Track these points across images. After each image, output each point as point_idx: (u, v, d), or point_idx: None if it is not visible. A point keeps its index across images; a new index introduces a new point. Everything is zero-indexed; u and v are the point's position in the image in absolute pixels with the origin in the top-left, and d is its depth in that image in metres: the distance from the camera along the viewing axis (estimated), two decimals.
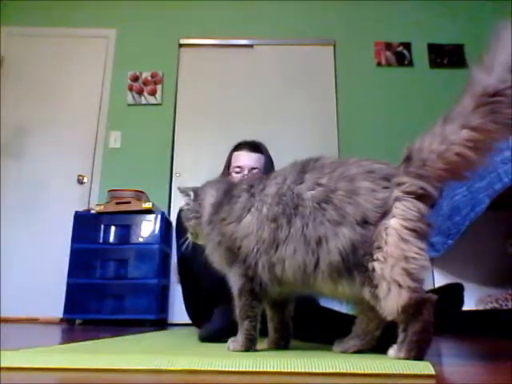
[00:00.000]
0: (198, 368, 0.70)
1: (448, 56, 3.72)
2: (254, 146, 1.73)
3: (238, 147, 1.74)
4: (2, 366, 0.71)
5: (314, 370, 0.69)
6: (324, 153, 1.00)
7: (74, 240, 2.83)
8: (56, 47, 3.75)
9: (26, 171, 3.45)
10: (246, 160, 1.69)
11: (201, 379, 0.66)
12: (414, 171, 0.83)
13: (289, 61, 3.73)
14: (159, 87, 3.65)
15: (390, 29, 3.80)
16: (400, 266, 0.79)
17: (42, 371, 0.71)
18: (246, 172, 1.67)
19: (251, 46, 3.77)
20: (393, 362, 0.70)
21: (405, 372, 0.67)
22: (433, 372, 0.66)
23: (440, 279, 2.06)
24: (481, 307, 1.92)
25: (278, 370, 0.69)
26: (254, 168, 1.67)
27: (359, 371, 0.68)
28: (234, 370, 0.70)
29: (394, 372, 0.67)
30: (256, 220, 0.96)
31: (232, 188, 1.09)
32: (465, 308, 1.96)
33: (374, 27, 3.81)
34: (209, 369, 0.70)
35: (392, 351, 0.80)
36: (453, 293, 1.16)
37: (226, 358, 0.74)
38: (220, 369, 0.70)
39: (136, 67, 3.69)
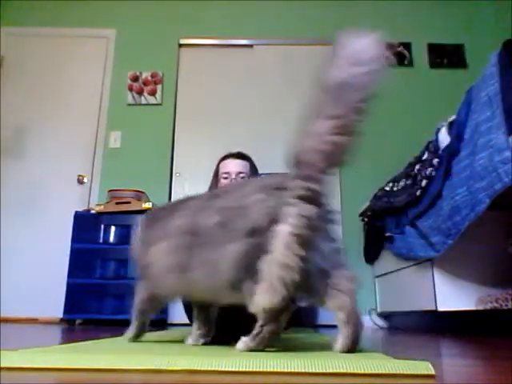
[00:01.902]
0: (198, 368, 0.70)
1: (448, 56, 3.72)
2: (240, 155, 1.89)
3: (225, 157, 1.90)
4: (2, 366, 0.71)
5: (313, 370, 0.69)
6: None
7: (73, 240, 2.83)
8: (56, 47, 3.76)
9: (26, 171, 3.45)
10: (233, 166, 1.84)
11: (201, 379, 0.66)
12: (302, 174, 0.86)
13: (289, 61, 3.73)
14: (159, 87, 3.65)
15: (390, 29, 3.79)
16: (277, 273, 0.83)
17: (41, 371, 0.71)
18: (233, 176, 1.81)
19: (251, 45, 3.77)
20: (393, 362, 0.70)
21: (405, 372, 0.67)
22: (433, 372, 0.66)
23: (440, 279, 2.06)
24: (481, 307, 1.92)
25: (278, 370, 0.69)
26: (241, 172, 1.82)
27: (359, 371, 0.68)
28: (234, 370, 0.70)
29: (394, 372, 0.67)
30: (163, 249, 1.05)
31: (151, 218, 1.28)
32: (465, 308, 1.97)
33: (373, 27, 3.79)
34: (209, 369, 0.70)
35: (241, 343, 0.89)
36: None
37: (226, 357, 0.74)
38: (220, 369, 0.70)
39: (136, 67, 3.69)
